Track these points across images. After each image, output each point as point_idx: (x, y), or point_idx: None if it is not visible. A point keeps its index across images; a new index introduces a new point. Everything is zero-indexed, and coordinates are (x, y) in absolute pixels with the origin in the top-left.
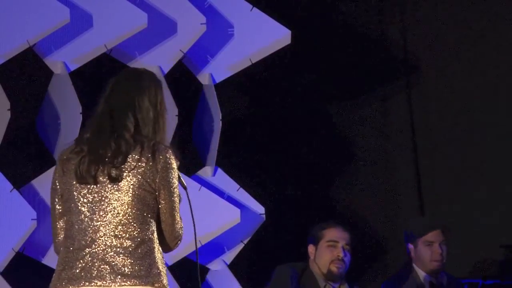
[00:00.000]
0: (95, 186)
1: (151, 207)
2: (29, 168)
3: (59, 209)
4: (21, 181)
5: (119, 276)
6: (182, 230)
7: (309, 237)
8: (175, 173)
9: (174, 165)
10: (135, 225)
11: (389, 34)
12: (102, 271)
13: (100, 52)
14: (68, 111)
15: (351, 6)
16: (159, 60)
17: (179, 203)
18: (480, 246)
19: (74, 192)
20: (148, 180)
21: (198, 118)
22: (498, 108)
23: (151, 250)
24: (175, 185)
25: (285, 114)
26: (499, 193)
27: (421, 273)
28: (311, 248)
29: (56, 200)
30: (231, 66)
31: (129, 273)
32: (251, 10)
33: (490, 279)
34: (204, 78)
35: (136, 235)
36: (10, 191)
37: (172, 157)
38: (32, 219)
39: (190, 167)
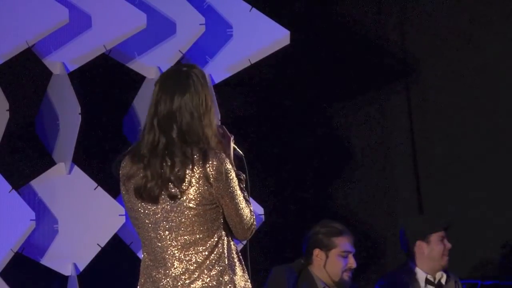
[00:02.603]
0: (157, 205)
1: (213, 217)
2: (28, 168)
3: (133, 222)
4: (20, 182)
5: None
6: (252, 219)
7: (312, 238)
8: (230, 173)
9: (227, 165)
10: (199, 240)
11: (388, 34)
12: None
13: (99, 52)
14: (67, 111)
15: (350, 7)
16: (158, 60)
17: (242, 192)
18: (479, 246)
19: (140, 209)
20: (204, 194)
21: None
22: (497, 108)
23: (220, 258)
24: (233, 188)
25: (284, 115)
26: (498, 193)
27: (419, 272)
28: (318, 253)
29: (129, 213)
30: (230, 66)
31: (201, 286)
32: (250, 11)
33: (489, 280)
34: None
35: (202, 249)
36: (9, 192)
37: (222, 159)
38: (30, 220)
39: None
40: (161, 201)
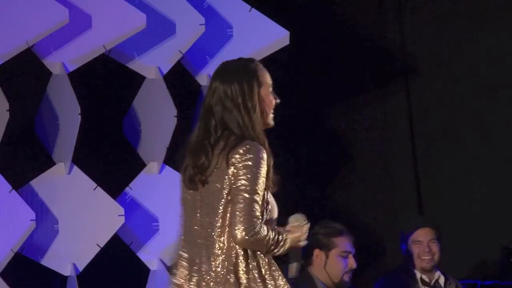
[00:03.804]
0: (195, 191)
1: (227, 211)
2: (28, 168)
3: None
4: (20, 182)
5: (203, 283)
6: (253, 225)
7: (312, 238)
8: (257, 164)
9: (258, 155)
10: (218, 230)
11: (387, 34)
12: (200, 277)
13: (99, 52)
14: (67, 111)
15: (350, 7)
16: (157, 61)
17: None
18: (479, 247)
19: (186, 197)
20: (223, 185)
21: (197, 119)
22: (497, 107)
23: (229, 255)
24: (253, 180)
25: (283, 115)
26: (498, 193)
27: (417, 273)
28: (317, 253)
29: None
30: None
31: (212, 278)
32: (249, 11)
33: (489, 280)
34: (202, 79)
35: (218, 240)
36: (9, 192)
37: (253, 149)
38: (31, 220)
39: None
40: (199, 188)
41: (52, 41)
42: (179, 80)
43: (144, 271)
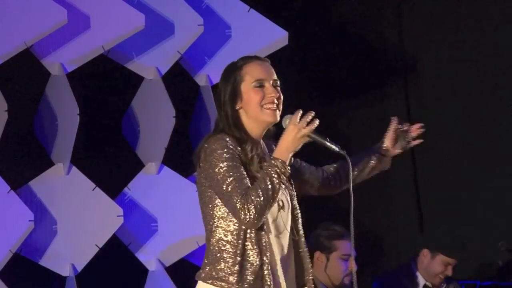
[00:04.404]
0: None
1: (207, 201)
2: (26, 169)
3: None
4: (18, 182)
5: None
6: (245, 204)
7: (314, 240)
8: (215, 157)
9: (213, 147)
10: (204, 221)
11: (386, 34)
12: None
13: (98, 53)
14: (66, 112)
15: (349, 7)
16: (156, 61)
17: (231, 181)
18: (478, 247)
19: None
20: (201, 177)
21: (195, 119)
22: (496, 107)
23: (208, 244)
24: (216, 171)
25: (282, 115)
26: (497, 193)
27: (421, 278)
28: (318, 255)
29: None
30: None
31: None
32: (248, 11)
33: (488, 280)
34: (201, 79)
35: (205, 230)
36: (8, 192)
37: (211, 142)
38: (29, 220)
39: (188, 168)
40: None
41: (50, 41)
42: (178, 80)
43: (142, 271)
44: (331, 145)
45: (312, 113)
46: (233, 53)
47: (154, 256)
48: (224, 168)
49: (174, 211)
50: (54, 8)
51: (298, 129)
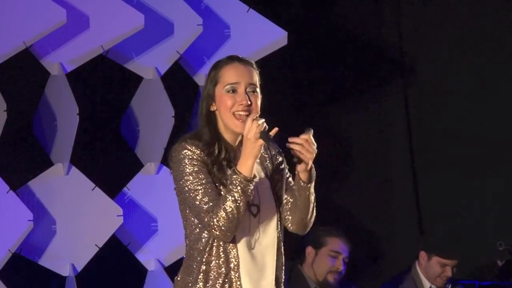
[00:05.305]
0: None
1: (182, 208)
2: (26, 169)
3: None
4: (18, 182)
5: None
6: (212, 220)
7: (308, 237)
8: (179, 168)
9: (179, 157)
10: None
11: (385, 35)
12: None
13: (97, 53)
14: (65, 112)
15: (348, 8)
16: (155, 61)
17: (193, 192)
18: (477, 247)
19: None
20: (175, 184)
21: (195, 119)
22: (495, 108)
23: (187, 253)
24: (181, 184)
25: (282, 115)
26: (497, 193)
27: (426, 281)
28: (310, 250)
29: None
30: None
31: None
32: (247, 11)
33: (487, 280)
34: (200, 79)
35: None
36: (7, 192)
37: (177, 150)
38: (28, 220)
39: None
40: None
41: (50, 41)
42: (177, 80)
43: (142, 271)
44: (274, 145)
45: (255, 115)
46: (233, 53)
47: (153, 256)
48: (189, 181)
49: (173, 211)
50: (54, 8)
51: (248, 135)
